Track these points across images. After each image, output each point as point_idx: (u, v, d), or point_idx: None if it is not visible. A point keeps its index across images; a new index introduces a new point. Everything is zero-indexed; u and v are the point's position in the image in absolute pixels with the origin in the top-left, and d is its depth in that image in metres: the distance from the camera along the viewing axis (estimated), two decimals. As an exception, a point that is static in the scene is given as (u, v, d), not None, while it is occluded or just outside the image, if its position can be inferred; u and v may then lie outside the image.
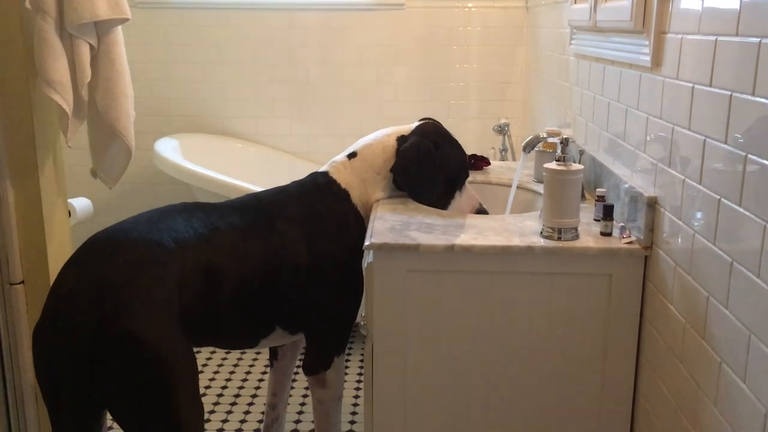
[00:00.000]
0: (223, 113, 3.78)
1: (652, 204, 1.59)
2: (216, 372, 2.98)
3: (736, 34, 1.23)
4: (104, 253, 1.57)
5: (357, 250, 1.98)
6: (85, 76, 1.91)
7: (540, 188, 2.24)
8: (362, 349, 3.13)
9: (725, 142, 1.26)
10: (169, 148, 3.36)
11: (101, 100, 1.98)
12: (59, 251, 2.08)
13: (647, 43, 1.63)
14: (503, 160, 3.24)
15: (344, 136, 3.73)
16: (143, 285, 1.54)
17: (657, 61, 1.59)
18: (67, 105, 1.89)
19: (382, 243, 1.67)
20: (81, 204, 2.92)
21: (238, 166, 3.61)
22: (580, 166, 1.69)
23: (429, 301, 1.70)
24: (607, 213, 1.70)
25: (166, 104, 3.74)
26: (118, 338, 1.48)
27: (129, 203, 3.78)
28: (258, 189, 2.87)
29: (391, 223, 1.81)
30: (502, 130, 3.20)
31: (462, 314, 1.71)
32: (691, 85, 1.40)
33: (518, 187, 2.19)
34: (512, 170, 2.48)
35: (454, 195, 2.09)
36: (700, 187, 1.36)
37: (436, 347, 1.73)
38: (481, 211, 2.10)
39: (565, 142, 1.68)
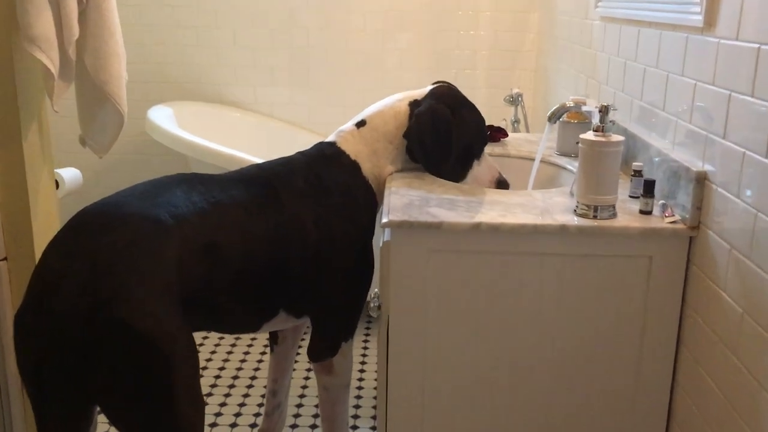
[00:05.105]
0: (220, 80, 3.59)
1: (701, 179, 1.44)
2: (212, 352, 2.84)
3: (822, -15, 1.07)
4: (95, 229, 1.41)
5: (368, 227, 1.83)
6: (72, 33, 1.74)
7: (564, 161, 2.09)
8: (366, 328, 2.99)
9: (802, 110, 1.11)
10: (162, 117, 3.18)
11: (90, 60, 1.81)
12: (45, 225, 1.92)
13: (698, 0, 1.47)
14: (515, 132, 3.08)
15: (346, 106, 3.57)
16: (139, 266, 1.38)
17: (710, 20, 1.43)
18: (53, 65, 1.71)
19: (401, 220, 1.52)
20: (69, 174, 2.75)
21: (235, 135, 3.44)
22: (620, 137, 1.53)
23: (452, 284, 1.56)
24: (648, 189, 1.55)
25: (159, 70, 3.55)
26: (111, 325, 1.32)
27: (121, 174, 3.61)
28: (257, 160, 2.72)
29: (408, 199, 1.66)
30: (514, 100, 3.04)
31: (487, 298, 1.56)
32: (757, 45, 1.25)
33: (540, 161, 2.03)
34: (531, 142, 2.33)
35: (472, 164, 1.93)
36: (766, 161, 1.21)
37: (459, 333, 1.59)
38: (501, 181, 1.95)
39: (604, 110, 1.52)
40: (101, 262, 1.35)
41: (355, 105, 2.14)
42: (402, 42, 3.55)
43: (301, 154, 1.88)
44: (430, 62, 3.57)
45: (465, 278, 1.55)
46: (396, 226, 1.52)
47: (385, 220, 1.53)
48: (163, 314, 1.39)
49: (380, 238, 1.67)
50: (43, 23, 1.68)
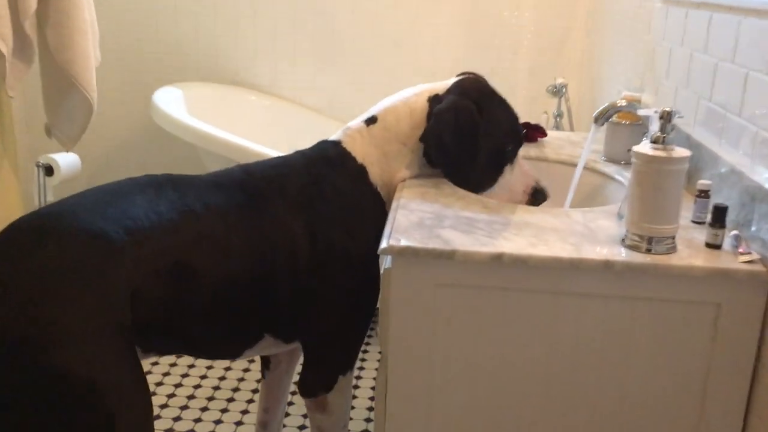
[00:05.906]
0: (236, 60, 3.31)
1: (791, 211, 1.12)
2: (198, 383, 2.55)
3: None
4: (23, 249, 1.16)
5: (374, 241, 1.54)
6: (28, 5, 1.47)
7: (612, 170, 1.77)
8: (380, 352, 2.69)
9: None
10: (170, 100, 2.92)
11: (53, 38, 1.55)
12: (3, 220, 1.67)
13: (796, -22, 1.14)
14: (557, 128, 2.76)
15: (373, 92, 3.23)
16: (75, 297, 1.13)
17: (813, 4, 1.10)
18: (5, 43, 1.45)
19: (403, 247, 1.22)
20: (66, 160, 2.53)
21: (251, 122, 3.17)
22: (686, 152, 1.21)
23: (465, 326, 1.26)
24: (719, 218, 1.23)
25: (169, 47, 3.28)
26: (39, 375, 1.07)
27: (127, 160, 3.38)
28: (275, 152, 2.44)
29: (418, 216, 1.36)
30: (558, 91, 2.71)
31: (509, 345, 1.26)
32: None
33: (584, 168, 1.72)
34: (573, 144, 2.01)
35: (503, 171, 1.63)
36: None
37: (472, 387, 1.29)
38: (538, 190, 1.64)
39: (666, 117, 1.20)
40: (25, 292, 1.10)
41: (382, 92, 1.87)
42: (436, 22, 3.23)
43: (299, 155, 1.61)
44: (467, 46, 3.24)
45: (482, 320, 1.25)
46: (397, 253, 1.23)
47: (383, 245, 1.24)
48: (106, 358, 1.14)
49: (384, 260, 1.38)
50: (-8, -7, 1.42)
